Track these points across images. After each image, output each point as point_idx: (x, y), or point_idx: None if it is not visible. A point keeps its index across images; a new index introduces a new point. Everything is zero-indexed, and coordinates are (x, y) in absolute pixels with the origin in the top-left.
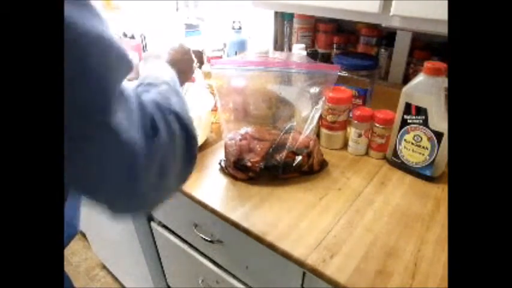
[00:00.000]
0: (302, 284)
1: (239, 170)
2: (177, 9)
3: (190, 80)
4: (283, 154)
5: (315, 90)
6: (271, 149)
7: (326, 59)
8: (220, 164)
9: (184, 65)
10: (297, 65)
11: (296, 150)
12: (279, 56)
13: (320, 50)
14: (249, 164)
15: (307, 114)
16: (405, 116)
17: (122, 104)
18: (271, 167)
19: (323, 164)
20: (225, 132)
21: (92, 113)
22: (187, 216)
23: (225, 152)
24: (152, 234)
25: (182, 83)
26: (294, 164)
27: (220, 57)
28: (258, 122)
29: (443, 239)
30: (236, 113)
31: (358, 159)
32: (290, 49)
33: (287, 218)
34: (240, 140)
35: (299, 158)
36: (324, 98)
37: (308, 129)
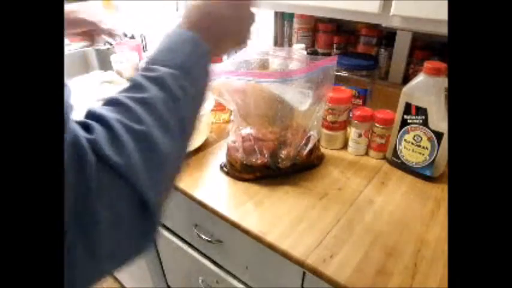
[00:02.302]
0: (302, 284)
1: (246, 171)
2: (177, 9)
3: (242, 45)
4: (287, 152)
5: (315, 88)
6: (275, 148)
7: None
8: (222, 167)
9: (231, 25)
10: (294, 72)
11: (298, 147)
12: (280, 52)
13: (320, 50)
14: (257, 164)
15: (307, 111)
16: (405, 116)
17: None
18: (276, 165)
19: (321, 158)
20: (231, 132)
21: None
22: (187, 216)
23: (229, 154)
24: None
25: (224, 51)
26: (297, 161)
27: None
28: (258, 122)
29: (443, 239)
30: (237, 114)
31: (358, 159)
32: None
33: (287, 218)
34: (243, 141)
35: (302, 153)
36: (325, 95)
37: (310, 125)
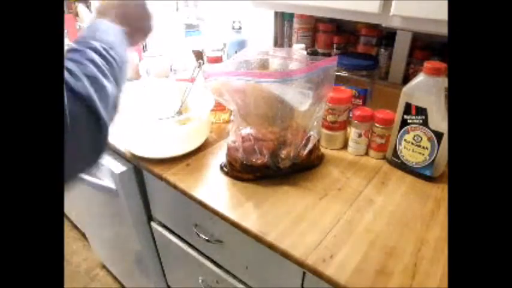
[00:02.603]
0: (302, 284)
1: (246, 171)
2: (177, 9)
3: (146, 37)
4: (287, 152)
5: (315, 88)
6: (275, 148)
7: None
8: (222, 167)
9: (137, 21)
10: (294, 72)
11: (298, 147)
12: (280, 52)
13: (320, 50)
14: (257, 164)
15: (307, 111)
16: (405, 116)
17: None
18: (276, 165)
19: (321, 158)
20: (231, 132)
21: None
22: (187, 216)
23: (229, 154)
24: (152, 234)
25: (135, 41)
26: (297, 161)
27: (220, 57)
28: (258, 122)
29: (443, 239)
30: (237, 114)
31: (358, 159)
32: None
33: (287, 218)
34: (243, 141)
35: (302, 153)
36: (325, 96)
37: (310, 125)
